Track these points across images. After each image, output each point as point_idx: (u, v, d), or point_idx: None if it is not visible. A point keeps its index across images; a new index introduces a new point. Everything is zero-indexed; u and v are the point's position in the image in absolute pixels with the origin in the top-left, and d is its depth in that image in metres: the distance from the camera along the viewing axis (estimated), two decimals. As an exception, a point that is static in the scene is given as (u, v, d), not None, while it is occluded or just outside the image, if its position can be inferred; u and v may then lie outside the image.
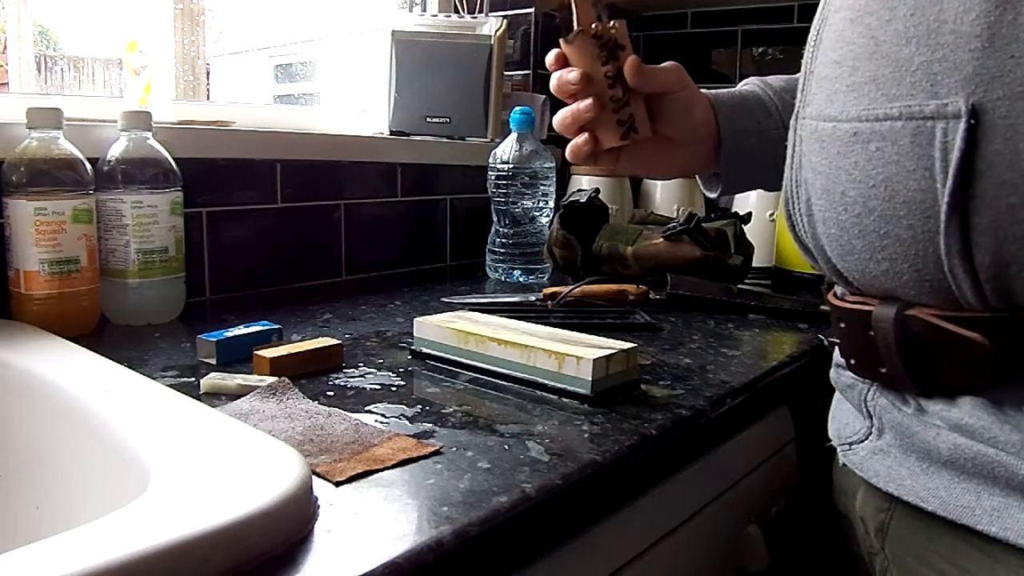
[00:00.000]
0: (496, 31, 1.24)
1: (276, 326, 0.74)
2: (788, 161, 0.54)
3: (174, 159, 0.83)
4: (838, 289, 0.55)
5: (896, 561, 0.53)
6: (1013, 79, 0.39)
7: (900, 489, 0.50)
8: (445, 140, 1.26)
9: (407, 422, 0.55)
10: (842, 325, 0.53)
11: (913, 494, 0.49)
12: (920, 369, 0.48)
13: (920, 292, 0.46)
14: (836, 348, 0.56)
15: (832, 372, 0.58)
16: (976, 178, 0.41)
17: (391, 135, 1.25)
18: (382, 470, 0.47)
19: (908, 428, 0.49)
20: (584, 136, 0.64)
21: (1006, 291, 0.42)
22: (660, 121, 0.65)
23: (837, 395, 0.59)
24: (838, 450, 0.57)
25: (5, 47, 1.05)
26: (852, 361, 0.53)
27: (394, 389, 0.63)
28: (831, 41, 0.50)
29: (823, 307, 0.94)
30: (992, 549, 0.45)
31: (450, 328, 0.69)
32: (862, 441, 0.54)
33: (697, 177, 0.76)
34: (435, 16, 1.29)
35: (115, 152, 0.80)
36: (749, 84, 0.72)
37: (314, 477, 0.43)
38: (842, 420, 0.57)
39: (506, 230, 1.17)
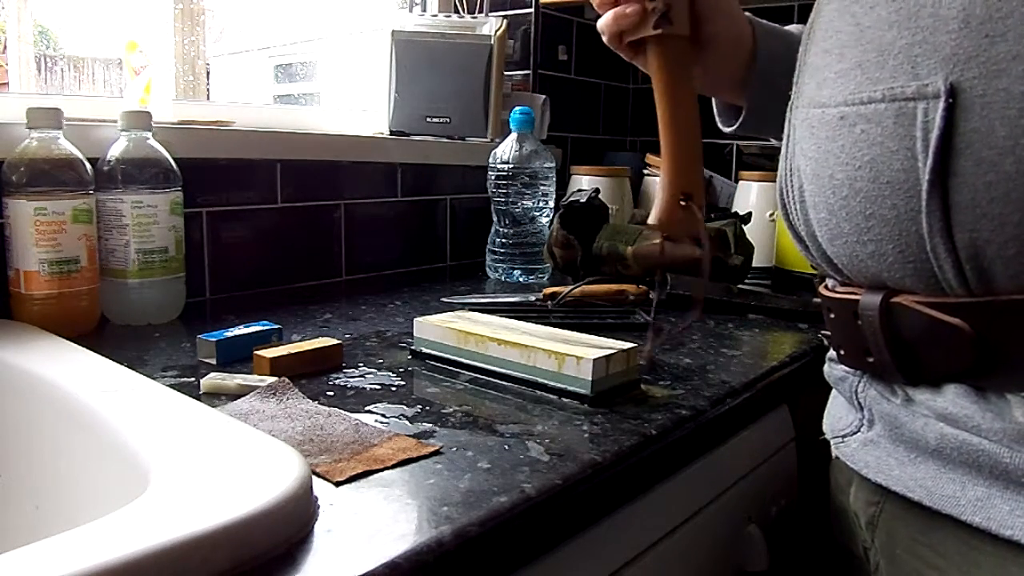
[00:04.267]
0: (496, 31, 1.24)
1: (276, 326, 0.74)
2: (783, 151, 0.55)
3: (174, 159, 0.83)
4: (829, 281, 0.55)
5: (886, 554, 0.53)
6: (988, 58, 0.40)
7: (888, 480, 0.50)
8: (445, 140, 1.26)
9: (407, 422, 0.55)
10: (832, 316, 0.54)
11: (901, 484, 0.49)
12: (906, 357, 0.48)
13: (904, 275, 0.46)
14: (828, 341, 0.57)
15: (825, 367, 0.58)
16: (955, 156, 0.42)
17: (391, 135, 1.25)
18: (382, 470, 0.47)
19: (897, 418, 0.50)
20: (635, 5, 0.59)
21: (985, 271, 0.43)
22: (703, 24, 0.62)
23: (832, 390, 0.59)
24: (831, 443, 0.57)
25: (5, 47, 1.05)
26: (842, 352, 0.54)
27: (394, 389, 0.63)
28: (821, 32, 0.51)
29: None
30: (976, 541, 0.45)
31: (450, 328, 0.69)
32: (854, 433, 0.54)
33: (714, 105, 0.73)
34: (435, 16, 1.29)
35: (115, 152, 0.80)
36: (790, 27, 0.70)
37: (314, 477, 0.43)
38: (835, 414, 0.57)
39: (506, 230, 1.17)
